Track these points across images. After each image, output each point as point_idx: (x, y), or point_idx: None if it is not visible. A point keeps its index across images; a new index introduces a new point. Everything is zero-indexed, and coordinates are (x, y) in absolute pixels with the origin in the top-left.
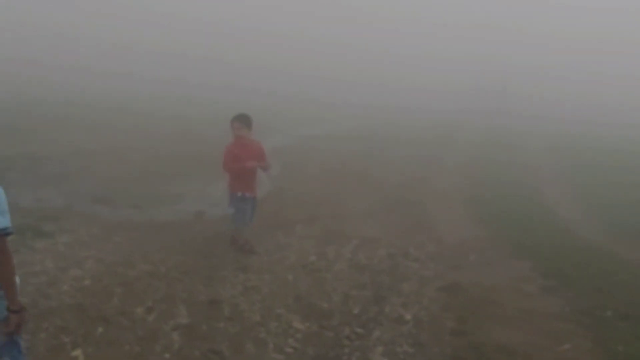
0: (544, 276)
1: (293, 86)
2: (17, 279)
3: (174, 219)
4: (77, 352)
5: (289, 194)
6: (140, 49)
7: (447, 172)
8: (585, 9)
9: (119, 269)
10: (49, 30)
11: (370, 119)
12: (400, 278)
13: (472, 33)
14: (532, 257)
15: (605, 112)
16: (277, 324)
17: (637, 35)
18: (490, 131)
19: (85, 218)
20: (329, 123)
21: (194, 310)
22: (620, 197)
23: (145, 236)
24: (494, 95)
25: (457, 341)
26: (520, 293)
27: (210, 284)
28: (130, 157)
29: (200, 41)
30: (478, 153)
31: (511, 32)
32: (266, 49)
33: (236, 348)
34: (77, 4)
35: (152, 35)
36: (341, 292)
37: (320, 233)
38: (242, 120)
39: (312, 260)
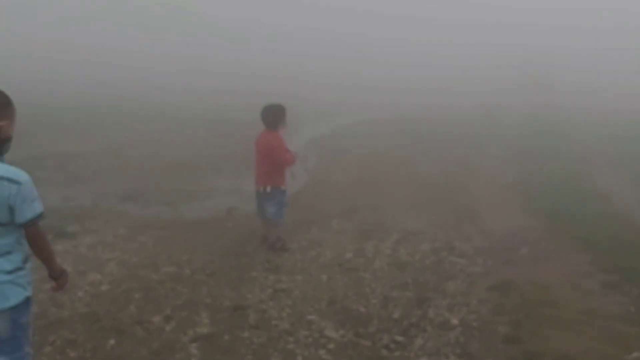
0: (605, 271)
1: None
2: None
3: (204, 216)
4: None
5: (325, 186)
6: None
7: (491, 159)
8: None
9: (141, 272)
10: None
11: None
12: (446, 276)
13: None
14: (589, 249)
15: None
16: (307, 332)
17: None
18: (534, 121)
19: (112, 217)
20: (363, 115)
21: (216, 318)
22: None
23: (173, 235)
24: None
25: (511, 350)
26: (580, 291)
27: (238, 287)
28: (163, 150)
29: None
30: (523, 142)
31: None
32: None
33: None
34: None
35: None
36: (380, 294)
37: (358, 227)
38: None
39: (348, 258)
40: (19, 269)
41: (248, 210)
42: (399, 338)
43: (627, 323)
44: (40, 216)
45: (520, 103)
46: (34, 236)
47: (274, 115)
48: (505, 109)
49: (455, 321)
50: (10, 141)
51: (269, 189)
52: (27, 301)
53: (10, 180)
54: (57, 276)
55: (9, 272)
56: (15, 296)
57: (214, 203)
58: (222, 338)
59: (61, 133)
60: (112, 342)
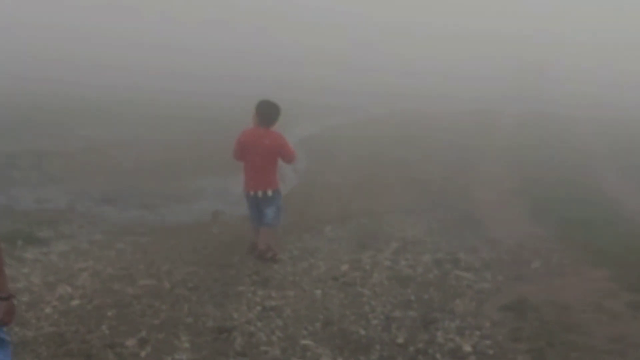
0: (629, 289)
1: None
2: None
3: (188, 221)
4: None
5: (318, 189)
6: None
7: (492, 158)
8: None
9: (116, 285)
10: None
11: (404, 105)
12: (452, 293)
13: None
14: (608, 262)
15: None
16: None
17: None
18: (533, 115)
19: (88, 221)
20: (359, 110)
21: (198, 342)
22: None
23: (153, 242)
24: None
25: None
26: (604, 313)
27: (223, 304)
28: (147, 149)
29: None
30: (523, 137)
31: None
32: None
33: None
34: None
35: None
36: (381, 313)
37: (354, 235)
38: None
39: (344, 271)
40: None
41: (235, 214)
42: None
43: None
44: None
45: (517, 109)
46: None
47: (275, 112)
48: (503, 114)
49: (468, 348)
50: None
51: (270, 192)
52: None
53: None
54: (6, 297)
55: None
56: None
57: (198, 206)
58: None
59: (40, 130)
60: None
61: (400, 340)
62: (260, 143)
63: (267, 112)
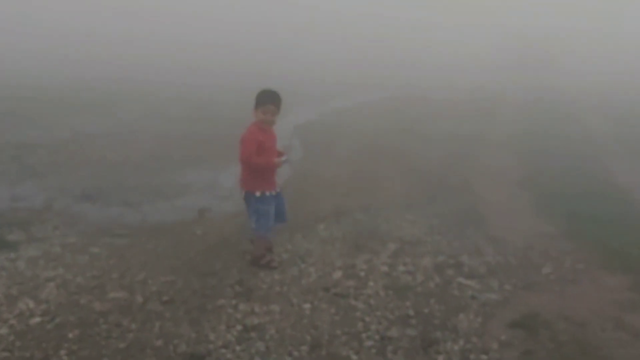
0: None
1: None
2: None
3: (171, 220)
4: None
5: (311, 182)
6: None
7: (494, 147)
8: None
9: (83, 299)
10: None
11: (404, 91)
12: (455, 306)
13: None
14: (626, 267)
15: None
16: None
17: None
18: (536, 103)
19: (64, 221)
20: (355, 97)
21: None
22: None
23: (131, 245)
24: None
25: None
26: (627, 331)
27: (199, 321)
28: (134, 140)
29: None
30: (527, 125)
31: None
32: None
33: None
34: None
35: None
36: (375, 332)
37: (349, 234)
38: (277, 102)
39: (337, 279)
40: None
41: (222, 211)
42: None
43: None
44: None
45: (520, 97)
46: None
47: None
48: (506, 102)
49: None
50: None
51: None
52: None
53: None
54: None
55: None
56: None
57: (184, 202)
58: None
59: (26, 119)
60: None
61: None
62: (275, 138)
63: (279, 102)
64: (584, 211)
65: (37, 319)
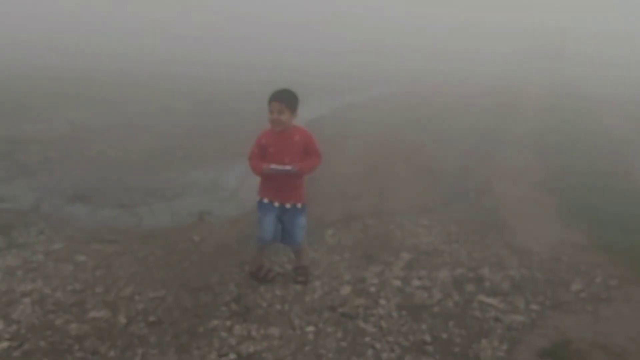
0: None
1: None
2: None
3: (167, 224)
4: None
5: (320, 183)
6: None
7: (512, 144)
8: None
9: (59, 319)
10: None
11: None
12: (477, 330)
13: None
14: None
15: None
16: None
17: None
18: (554, 97)
19: (51, 225)
20: (368, 90)
21: None
22: None
23: (121, 252)
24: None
25: None
26: None
27: (187, 349)
28: (135, 136)
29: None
30: (546, 120)
31: None
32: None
33: None
34: None
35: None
36: None
37: (359, 242)
38: (284, 100)
39: (344, 296)
40: None
41: (224, 215)
42: None
43: None
44: None
45: (537, 91)
46: None
47: None
48: (523, 96)
49: None
50: None
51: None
52: None
53: None
54: None
55: None
56: None
57: (183, 205)
58: None
59: (23, 112)
60: None
61: None
62: (289, 144)
63: None
64: (610, 216)
65: (4, 344)
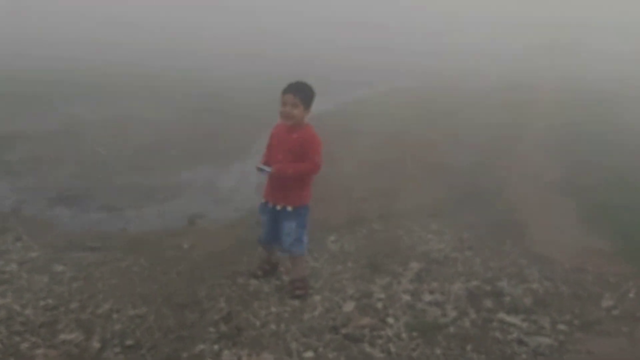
0: None
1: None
2: None
3: (155, 229)
4: None
5: (325, 183)
6: None
7: (530, 143)
8: None
9: (25, 342)
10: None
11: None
12: (499, 355)
13: None
14: None
15: None
16: None
17: None
18: (571, 92)
19: (30, 230)
20: (379, 85)
21: None
22: None
23: (102, 262)
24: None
25: None
26: None
27: None
28: (131, 132)
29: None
30: (563, 116)
31: None
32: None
33: None
34: None
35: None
36: None
37: (365, 250)
38: (298, 93)
39: (348, 314)
40: None
41: (218, 218)
42: None
43: None
44: None
45: (553, 85)
46: None
47: None
48: (538, 91)
49: None
50: None
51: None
52: None
53: None
54: None
55: None
56: None
57: (174, 207)
58: None
59: (16, 105)
60: None
61: None
62: (287, 140)
63: None
64: (637, 219)
65: None
